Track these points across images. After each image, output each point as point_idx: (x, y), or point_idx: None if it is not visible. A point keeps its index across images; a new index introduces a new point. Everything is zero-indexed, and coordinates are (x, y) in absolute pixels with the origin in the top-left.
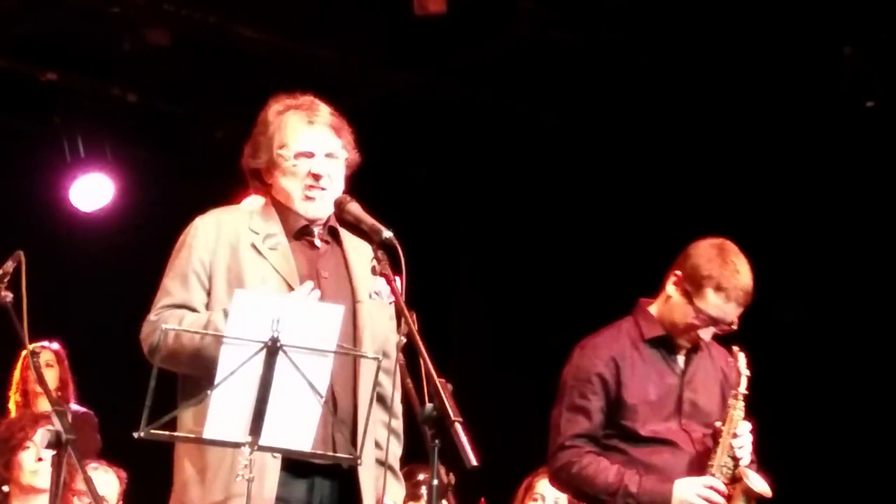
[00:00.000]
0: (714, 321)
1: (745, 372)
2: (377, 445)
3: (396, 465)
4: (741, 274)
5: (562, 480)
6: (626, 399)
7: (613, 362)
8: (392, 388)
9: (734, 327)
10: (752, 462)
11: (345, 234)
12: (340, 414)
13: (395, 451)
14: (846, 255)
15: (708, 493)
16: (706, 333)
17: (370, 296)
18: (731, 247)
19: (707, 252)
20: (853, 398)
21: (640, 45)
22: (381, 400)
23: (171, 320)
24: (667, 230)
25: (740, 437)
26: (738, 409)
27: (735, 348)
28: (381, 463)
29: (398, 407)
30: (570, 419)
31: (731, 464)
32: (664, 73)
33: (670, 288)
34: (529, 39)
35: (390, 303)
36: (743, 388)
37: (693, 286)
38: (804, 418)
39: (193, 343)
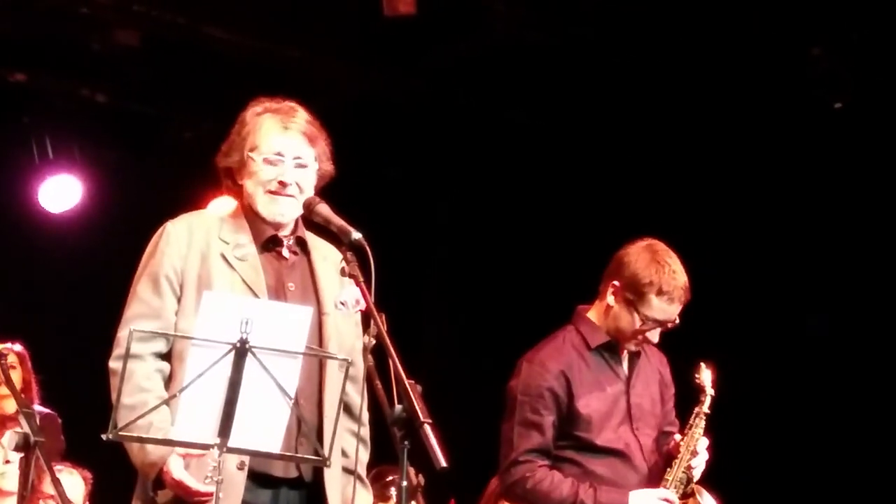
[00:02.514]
0: (661, 323)
1: (710, 392)
2: (344, 454)
3: (364, 472)
4: (678, 273)
5: (516, 496)
6: (579, 410)
7: (563, 376)
8: (360, 397)
9: (678, 322)
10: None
11: (313, 244)
12: (304, 424)
13: (363, 457)
14: (811, 256)
15: None
16: (653, 335)
17: (336, 306)
18: (662, 246)
19: (641, 257)
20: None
21: (613, 46)
22: (348, 409)
23: (122, 376)
24: (640, 232)
25: (698, 455)
26: (699, 427)
27: (702, 364)
28: (349, 471)
29: (365, 415)
30: (522, 434)
31: (685, 479)
32: (637, 74)
33: (610, 298)
34: (502, 40)
35: (356, 311)
36: (706, 408)
37: (635, 294)
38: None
39: (116, 413)
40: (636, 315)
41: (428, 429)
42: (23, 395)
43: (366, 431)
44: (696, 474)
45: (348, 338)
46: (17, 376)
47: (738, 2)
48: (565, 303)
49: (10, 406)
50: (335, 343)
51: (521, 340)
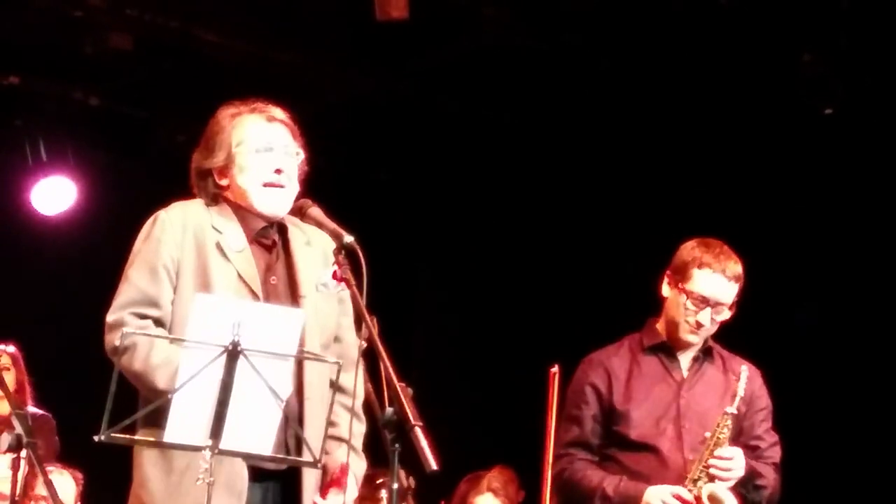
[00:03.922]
0: (705, 300)
1: (741, 392)
2: (332, 424)
3: (359, 442)
4: (724, 253)
5: (557, 488)
6: (617, 406)
7: (606, 372)
8: (352, 376)
9: (730, 309)
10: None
11: (293, 230)
12: (289, 419)
13: (357, 429)
14: (801, 257)
15: (672, 502)
16: (705, 317)
17: (317, 288)
18: (714, 240)
19: (690, 244)
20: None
21: (602, 50)
22: (341, 388)
23: (140, 346)
24: (627, 234)
25: (724, 458)
26: (724, 426)
27: (743, 365)
28: (339, 439)
29: (360, 389)
30: (564, 428)
31: (705, 478)
32: (626, 78)
33: (665, 289)
34: (492, 44)
35: (340, 290)
36: (733, 409)
37: (680, 274)
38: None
39: (153, 377)
40: (683, 295)
41: (419, 432)
42: (16, 397)
43: (357, 403)
44: (724, 477)
45: (330, 317)
46: (10, 378)
47: (728, 8)
48: (557, 305)
49: (4, 408)
50: (314, 325)
51: (512, 342)
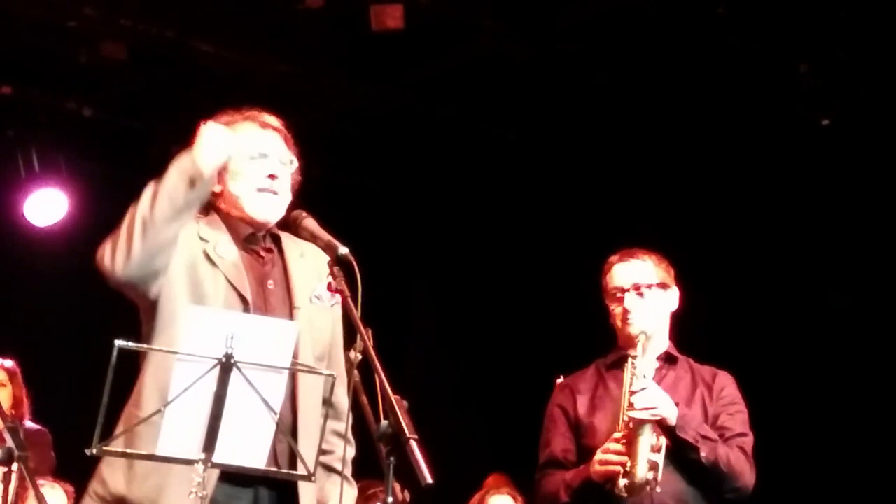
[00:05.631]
0: (621, 288)
1: (642, 338)
2: (324, 452)
3: (348, 469)
4: (629, 249)
5: None
6: (583, 419)
7: (571, 392)
8: (344, 397)
9: (661, 287)
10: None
11: (287, 241)
12: (280, 427)
13: (349, 455)
14: (798, 265)
15: (602, 457)
16: (629, 302)
17: (311, 300)
18: None
19: None
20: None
21: (598, 61)
22: (331, 406)
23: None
24: (625, 244)
25: (638, 391)
26: (628, 370)
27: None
28: (331, 469)
29: (347, 413)
30: (541, 452)
31: (628, 422)
32: (621, 90)
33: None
34: (487, 55)
35: (333, 305)
36: (636, 351)
37: (604, 290)
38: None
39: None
40: (609, 301)
41: (414, 445)
42: (13, 412)
43: (347, 426)
44: (647, 405)
45: (324, 332)
46: (7, 393)
47: (725, 19)
48: (552, 315)
49: None
50: (308, 337)
51: (507, 355)
